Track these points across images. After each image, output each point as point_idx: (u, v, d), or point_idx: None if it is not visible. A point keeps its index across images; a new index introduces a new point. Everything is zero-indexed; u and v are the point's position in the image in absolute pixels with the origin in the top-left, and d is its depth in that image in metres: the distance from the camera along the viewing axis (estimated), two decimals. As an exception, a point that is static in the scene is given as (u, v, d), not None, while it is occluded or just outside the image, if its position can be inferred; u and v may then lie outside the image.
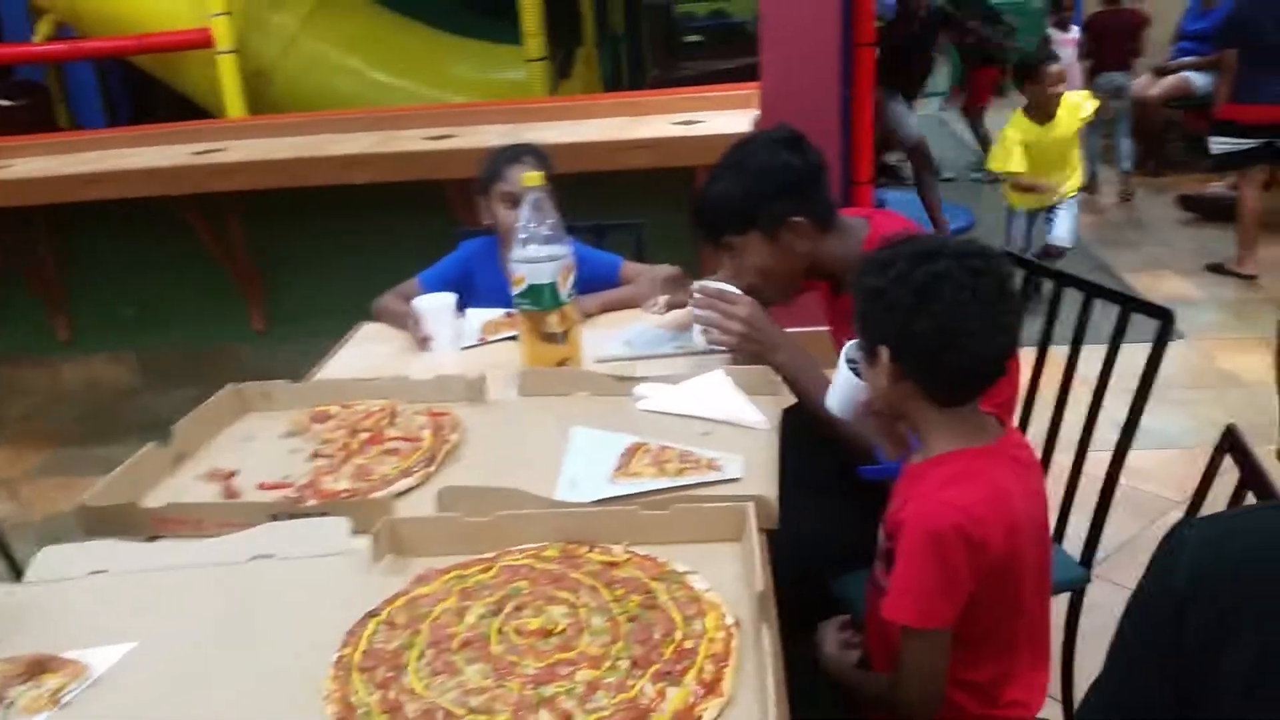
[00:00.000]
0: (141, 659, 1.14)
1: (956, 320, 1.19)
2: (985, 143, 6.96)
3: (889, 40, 5.30)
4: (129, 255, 4.01)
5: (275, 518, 1.37)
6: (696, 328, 1.77)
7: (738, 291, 1.72)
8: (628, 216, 2.68)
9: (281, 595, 1.25)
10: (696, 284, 1.77)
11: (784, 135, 1.74)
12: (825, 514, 1.60)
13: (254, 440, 1.71)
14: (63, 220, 3.87)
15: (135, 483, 1.50)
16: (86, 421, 4.08)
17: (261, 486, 1.51)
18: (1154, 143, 6.62)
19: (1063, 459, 1.88)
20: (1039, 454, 1.89)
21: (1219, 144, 4.93)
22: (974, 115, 7.24)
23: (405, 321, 2.13)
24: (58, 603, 1.26)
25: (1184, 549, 0.85)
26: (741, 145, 1.76)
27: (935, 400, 1.25)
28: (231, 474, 1.56)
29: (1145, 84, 6.43)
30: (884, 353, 1.24)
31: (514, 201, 2.20)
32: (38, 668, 1.09)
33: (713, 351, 1.93)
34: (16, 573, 1.35)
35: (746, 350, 1.72)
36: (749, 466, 1.45)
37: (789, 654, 1.10)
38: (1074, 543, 1.85)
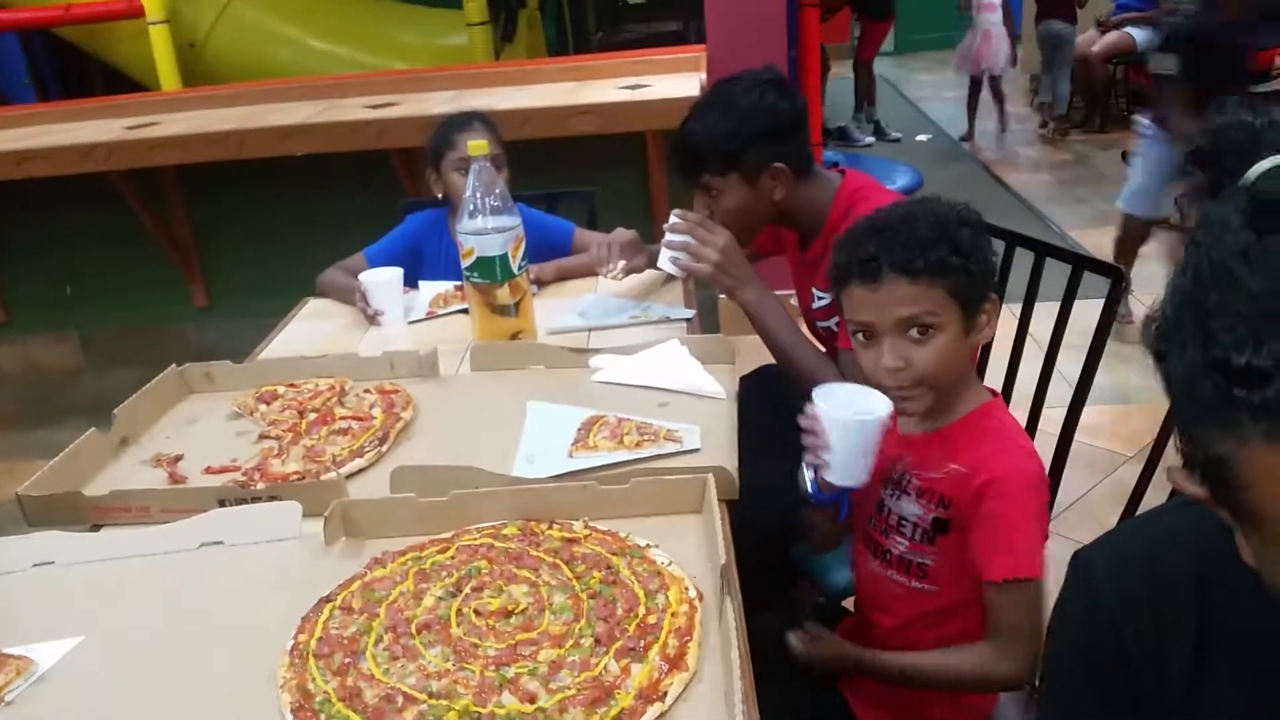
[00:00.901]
0: (90, 653, 1.11)
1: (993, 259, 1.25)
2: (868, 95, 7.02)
3: None
4: (65, 233, 3.90)
5: (223, 503, 1.34)
6: (666, 253, 1.75)
7: (716, 224, 1.72)
8: (579, 184, 2.65)
9: (232, 583, 1.22)
10: (676, 210, 1.76)
11: (771, 77, 1.72)
12: (785, 481, 1.60)
13: (198, 423, 1.66)
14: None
15: (77, 470, 1.46)
16: (27, 404, 3.98)
17: (208, 471, 1.48)
18: (1098, 99, 6.68)
19: (1017, 416, 1.88)
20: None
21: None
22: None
23: (352, 297, 2.09)
24: (1, 598, 1.21)
25: (1096, 566, 0.86)
26: (728, 83, 1.73)
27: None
28: (176, 459, 1.52)
29: (1088, 41, 6.48)
30: (991, 301, 1.24)
31: (468, 169, 2.16)
32: (-20, 666, 1.05)
33: (667, 320, 1.93)
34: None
35: (717, 281, 1.71)
36: (707, 436, 1.44)
37: (752, 624, 1.09)
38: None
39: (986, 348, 1.96)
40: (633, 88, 3.46)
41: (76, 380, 4.13)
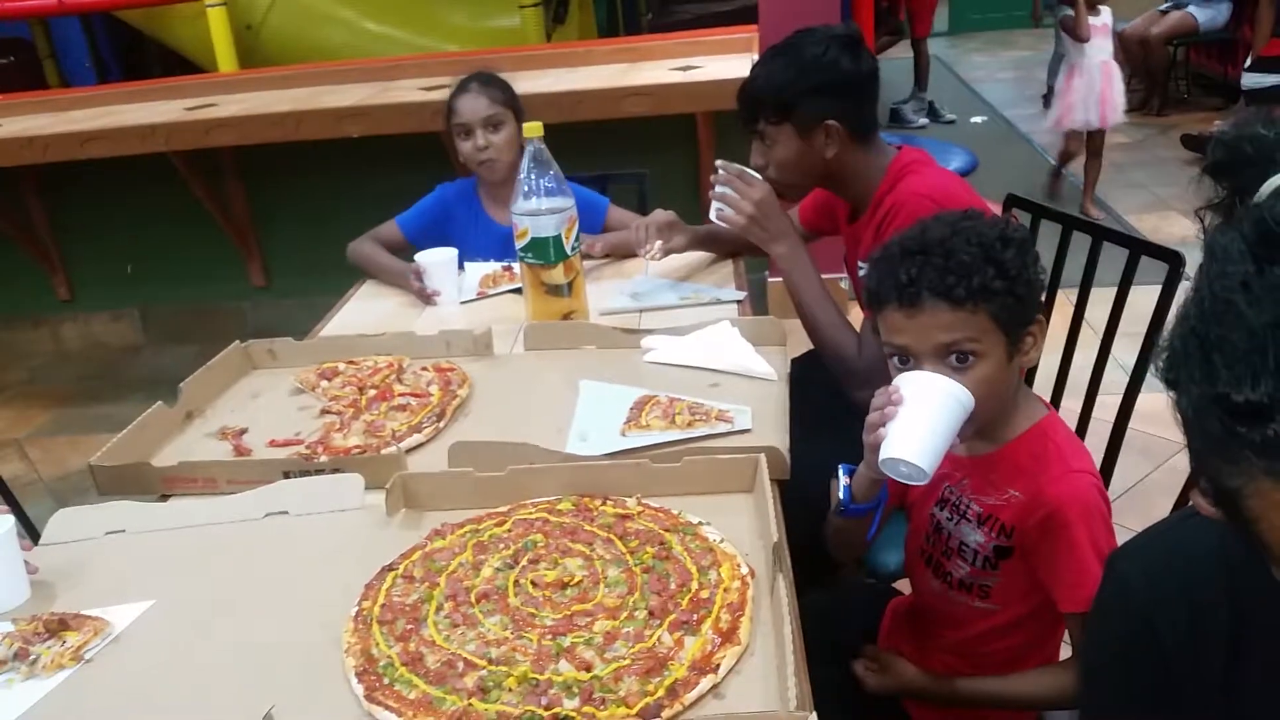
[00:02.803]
0: (161, 616, 1.15)
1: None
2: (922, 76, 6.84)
3: None
4: (126, 213, 3.99)
5: (288, 475, 1.38)
6: (714, 205, 1.78)
7: (758, 176, 1.73)
8: (629, 166, 2.66)
9: (297, 551, 1.26)
10: (720, 161, 1.78)
11: (846, 33, 1.71)
12: (834, 463, 1.61)
13: (261, 398, 1.71)
14: (52, 179, 3.83)
15: (145, 442, 1.51)
16: (90, 380, 4.09)
17: (272, 444, 1.52)
18: (1157, 82, 6.54)
19: (1071, 403, 1.88)
20: (1048, 398, 1.91)
21: (1256, 79, 4.83)
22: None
23: (385, 273, 2.12)
24: (76, 563, 1.26)
25: (1130, 566, 0.86)
26: (804, 33, 1.72)
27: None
28: (241, 432, 1.56)
29: (1148, 21, 6.34)
30: (1041, 320, 1.18)
31: (466, 132, 2.18)
32: (60, 626, 1.10)
33: (718, 301, 1.94)
34: (32, 534, 1.35)
35: (750, 232, 1.74)
36: (759, 417, 1.45)
37: (801, 603, 1.10)
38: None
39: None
40: (684, 69, 3.46)
41: (137, 357, 4.23)
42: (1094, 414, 1.84)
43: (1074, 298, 1.86)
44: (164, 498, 1.41)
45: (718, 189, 1.76)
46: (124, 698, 1.02)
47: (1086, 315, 1.86)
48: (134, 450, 1.47)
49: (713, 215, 1.78)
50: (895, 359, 1.19)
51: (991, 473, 1.22)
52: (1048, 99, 5.58)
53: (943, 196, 1.62)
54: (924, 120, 6.82)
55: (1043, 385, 1.93)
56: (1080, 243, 1.86)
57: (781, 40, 1.74)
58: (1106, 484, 1.80)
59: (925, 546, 1.32)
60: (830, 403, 1.68)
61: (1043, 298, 1.21)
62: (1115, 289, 1.76)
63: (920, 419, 1.10)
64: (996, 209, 1.80)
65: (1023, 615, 1.24)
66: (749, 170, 1.74)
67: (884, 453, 1.12)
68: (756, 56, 3.35)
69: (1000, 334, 1.14)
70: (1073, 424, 1.84)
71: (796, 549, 1.21)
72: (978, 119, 6.92)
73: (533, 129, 1.75)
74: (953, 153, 5.76)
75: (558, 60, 3.75)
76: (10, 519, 1.18)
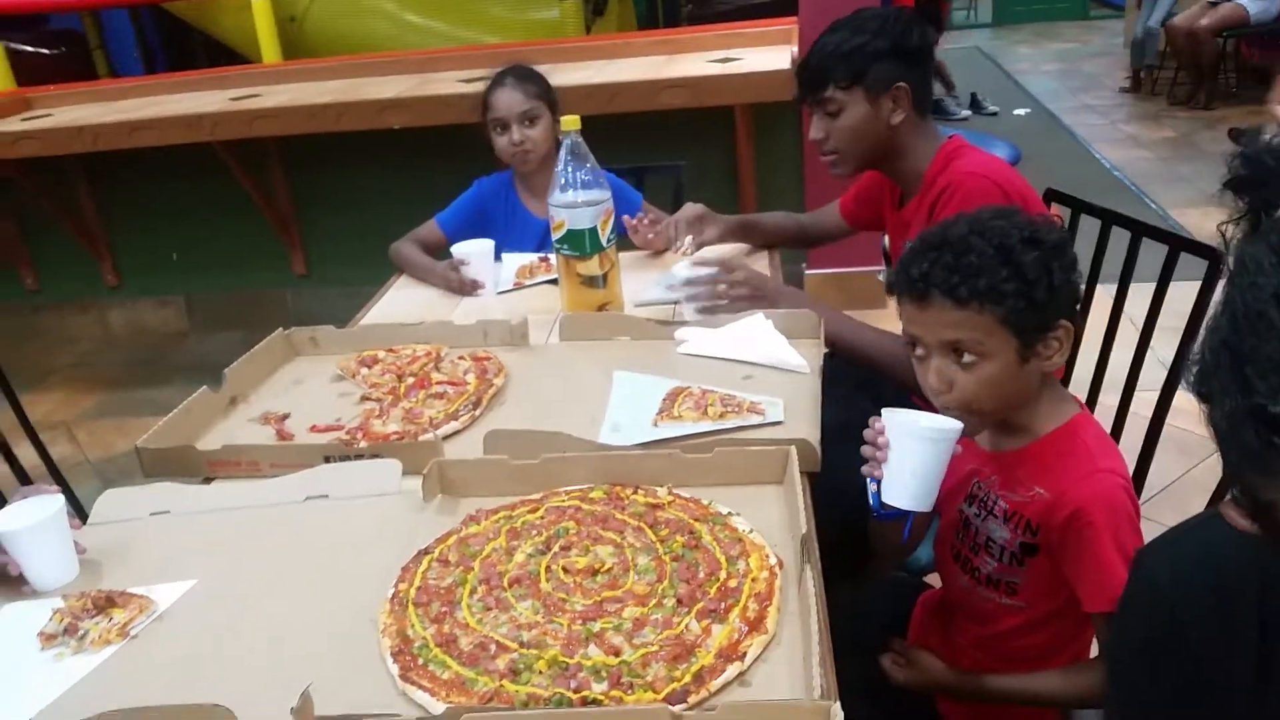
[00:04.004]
0: (203, 595, 1.19)
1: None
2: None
3: None
4: (172, 201, 4.06)
5: (328, 459, 1.41)
6: (687, 306, 1.82)
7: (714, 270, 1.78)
8: (666, 158, 2.67)
9: (336, 534, 1.29)
10: (681, 264, 1.84)
11: (907, 10, 1.74)
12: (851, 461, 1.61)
13: (303, 384, 1.74)
14: (101, 167, 3.91)
15: (190, 426, 1.55)
16: (136, 365, 4.17)
17: (313, 429, 1.55)
18: (1205, 75, 6.43)
19: (1109, 399, 1.86)
20: (1085, 394, 1.90)
21: None
22: None
23: (425, 273, 2.16)
24: (123, 543, 1.30)
25: (1158, 564, 0.86)
26: (863, 10, 1.74)
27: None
28: (284, 417, 1.60)
29: (1196, 13, 6.23)
30: (1067, 326, 1.16)
31: (502, 127, 2.20)
32: (107, 603, 1.14)
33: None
34: (81, 514, 1.39)
35: (758, 302, 1.76)
36: (790, 410, 1.46)
37: (831, 597, 1.11)
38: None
39: (1077, 329, 1.94)
40: (722, 61, 3.46)
41: (181, 342, 4.31)
42: (1132, 409, 1.83)
43: (1113, 293, 1.85)
44: (208, 480, 1.45)
45: (690, 290, 1.79)
46: (167, 673, 1.05)
47: (1126, 311, 1.84)
48: (179, 433, 1.51)
49: (689, 314, 1.80)
50: (913, 346, 1.21)
51: (1018, 469, 1.22)
52: None
53: (1000, 177, 1.64)
54: (966, 112, 6.76)
55: (1081, 381, 1.92)
56: (1120, 237, 1.85)
57: (836, 21, 1.75)
58: (1142, 480, 1.79)
59: (954, 542, 1.32)
60: (862, 395, 1.69)
61: (1079, 301, 1.21)
62: (1155, 284, 1.74)
63: (906, 466, 1.15)
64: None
65: (1050, 613, 1.24)
66: (705, 270, 1.79)
67: (884, 497, 1.17)
68: (796, 49, 3.37)
69: (1010, 336, 1.14)
70: (1109, 419, 1.84)
71: (827, 542, 1.22)
72: (1021, 111, 6.86)
73: (570, 122, 1.77)
74: (995, 145, 5.70)
75: (595, 52, 3.76)
76: (60, 499, 1.22)
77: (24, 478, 1.89)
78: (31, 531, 1.18)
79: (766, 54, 3.46)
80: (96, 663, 1.08)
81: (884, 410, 1.18)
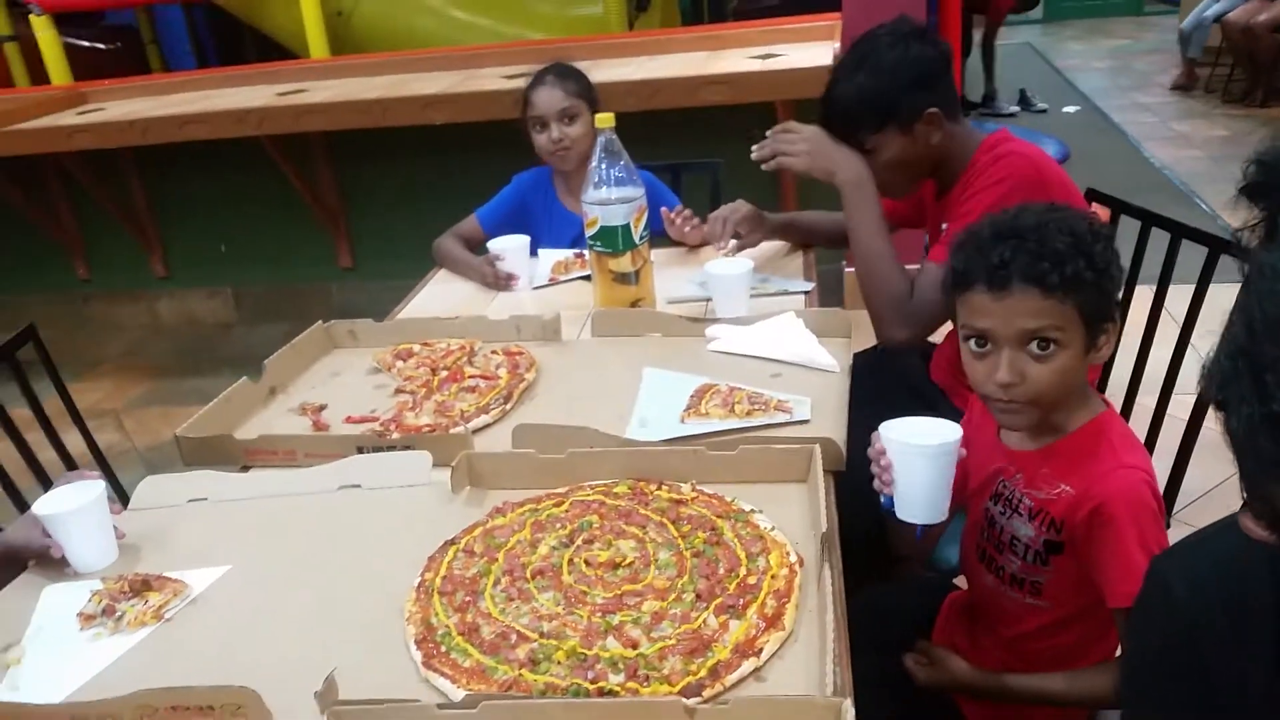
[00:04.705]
0: (237, 580, 1.22)
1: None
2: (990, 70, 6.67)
3: None
4: (221, 193, 4.14)
5: (361, 450, 1.44)
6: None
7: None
8: (704, 155, 2.67)
9: (367, 523, 1.32)
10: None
11: (910, 28, 1.72)
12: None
13: (341, 376, 1.78)
14: (152, 160, 4.00)
15: (229, 415, 1.58)
16: (184, 354, 4.26)
17: (349, 420, 1.58)
18: (1261, 72, 6.28)
19: (1148, 400, 1.84)
20: (1123, 395, 1.88)
21: None
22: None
23: (465, 269, 2.18)
24: (161, 528, 1.34)
25: (1173, 573, 0.85)
26: (865, 41, 1.73)
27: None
28: (320, 408, 1.63)
29: (1253, 8, 6.09)
30: (1114, 322, 1.17)
31: (541, 125, 2.21)
32: (144, 586, 1.18)
33: (785, 293, 1.94)
34: (123, 499, 1.44)
35: (815, 169, 1.78)
36: (818, 408, 1.46)
37: (859, 598, 1.12)
38: (1152, 488, 1.82)
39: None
40: (764, 57, 3.45)
41: (229, 333, 4.39)
42: (1171, 413, 1.81)
43: (1153, 294, 1.83)
44: (245, 468, 1.48)
45: (767, 148, 1.82)
46: (198, 655, 1.09)
47: (1167, 312, 1.82)
48: (218, 423, 1.55)
49: (768, 165, 1.83)
50: (973, 342, 1.19)
51: (1043, 466, 1.22)
52: None
53: (1040, 161, 1.64)
54: (1015, 108, 6.67)
55: (1119, 382, 1.90)
56: (1161, 239, 1.83)
57: (848, 52, 1.75)
58: (1178, 482, 1.77)
59: (980, 541, 1.32)
60: (892, 395, 1.68)
61: (1119, 298, 1.20)
62: (1194, 286, 1.72)
63: (913, 482, 1.17)
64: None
65: (1074, 614, 1.23)
66: (794, 124, 1.80)
67: (897, 513, 1.19)
68: (838, 44, 3.36)
69: (1083, 327, 1.15)
70: (1146, 421, 1.81)
71: (855, 541, 1.22)
72: (1071, 108, 6.75)
73: (604, 119, 1.78)
74: (1043, 142, 5.61)
75: (638, 48, 3.77)
76: (102, 484, 1.26)
77: (71, 464, 1.94)
78: (73, 515, 1.22)
79: (809, 50, 3.44)
80: (132, 643, 1.11)
81: (881, 427, 1.19)
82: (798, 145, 1.78)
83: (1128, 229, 1.90)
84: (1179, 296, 1.77)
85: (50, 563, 1.25)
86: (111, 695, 0.97)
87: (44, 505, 1.23)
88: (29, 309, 2.17)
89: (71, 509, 1.22)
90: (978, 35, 6.53)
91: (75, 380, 3.64)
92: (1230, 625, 0.79)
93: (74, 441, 2.02)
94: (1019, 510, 1.24)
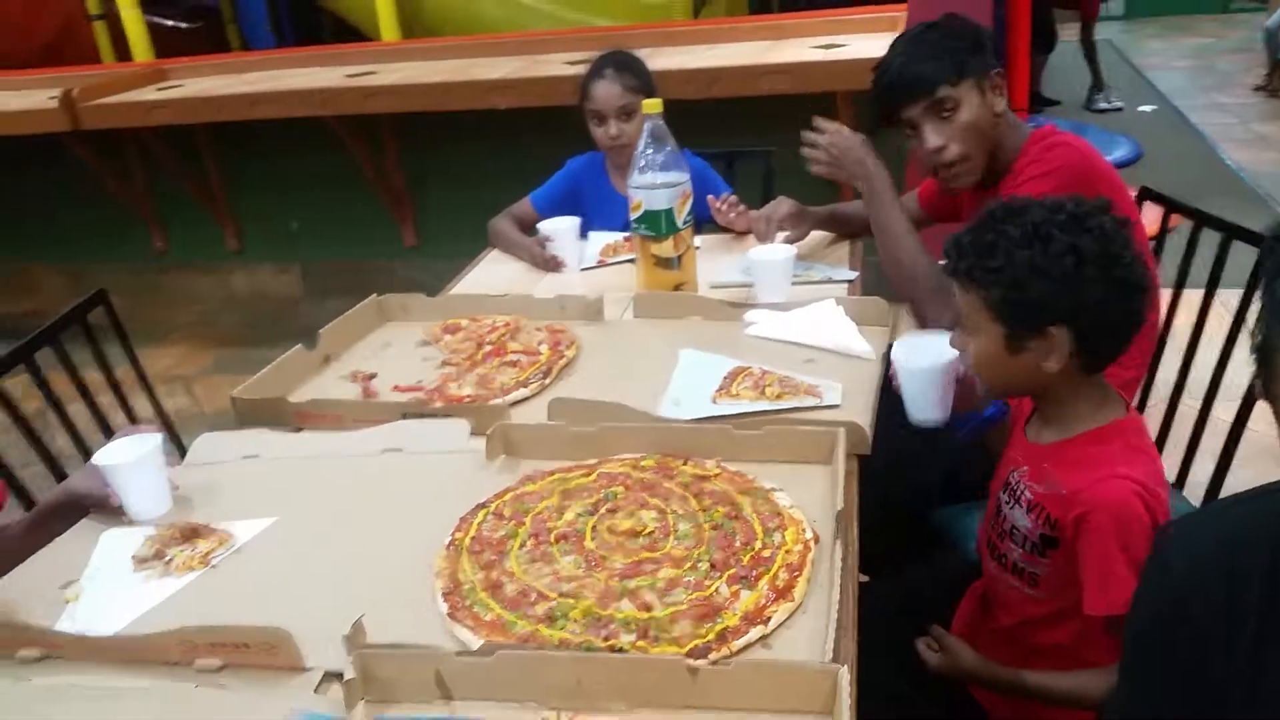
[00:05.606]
0: (280, 532, 1.29)
1: (1134, 275, 1.15)
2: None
3: None
4: (292, 171, 4.26)
5: (405, 417, 1.50)
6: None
7: (838, 125, 1.87)
8: (760, 143, 2.68)
9: (406, 484, 1.38)
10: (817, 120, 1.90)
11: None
12: (921, 450, 1.62)
13: (391, 347, 1.84)
14: (227, 137, 4.13)
15: (283, 380, 1.66)
16: (253, 326, 4.40)
17: (396, 389, 1.65)
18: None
19: (1191, 404, 1.83)
20: (1166, 396, 1.87)
21: None
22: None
23: (518, 250, 2.23)
24: (213, 482, 1.42)
25: (1174, 546, 0.86)
26: (919, 25, 1.73)
27: (1088, 370, 1.20)
28: (370, 376, 1.70)
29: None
30: (1060, 333, 1.15)
31: (599, 118, 2.25)
32: (193, 534, 1.25)
33: (829, 281, 1.96)
34: (184, 456, 1.52)
35: (834, 175, 1.87)
36: (848, 395, 1.49)
37: (883, 586, 1.14)
38: (1195, 490, 1.81)
39: (1163, 332, 1.90)
40: (827, 47, 3.45)
41: (296, 307, 4.52)
42: (1213, 413, 1.79)
43: (1203, 296, 1.81)
44: (296, 430, 1.55)
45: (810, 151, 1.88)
46: (239, 598, 1.16)
47: (1215, 315, 1.81)
48: (273, 386, 1.63)
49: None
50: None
51: (1046, 462, 1.23)
52: None
53: (1089, 152, 1.63)
54: (1119, 104, 6.52)
55: (1165, 384, 1.88)
56: (1210, 239, 1.81)
57: (897, 39, 1.73)
58: (1219, 487, 1.75)
59: (989, 528, 1.34)
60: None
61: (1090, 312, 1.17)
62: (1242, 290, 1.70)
63: (914, 390, 1.40)
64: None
65: (1069, 609, 1.23)
66: (829, 122, 1.86)
67: (908, 415, 1.41)
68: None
69: (995, 322, 1.19)
70: (1189, 424, 1.80)
71: (879, 534, 1.24)
72: (1146, 108, 6.59)
73: (652, 105, 1.82)
74: (1117, 141, 5.52)
75: (700, 36, 3.79)
76: (159, 437, 1.33)
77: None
78: (130, 466, 1.30)
79: (872, 41, 3.43)
80: (179, 586, 1.19)
81: (896, 343, 1.40)
82: (819, 153, 1.85)
83: (1185, 229, 1.89)
84: (1232, 300, 1.75)
85: (110, 511, 1.33)
86: (158, 631, 1.04)
87: (104, 456, 1.31)
88: (107, 279, 2.27)
89: (129, 460, 1.30)
90: (1066, 33, 6.39)
91: (149, 346, 3.78)
92: (1225, 602, 0.81)
93: (143, 407, 2.13)
94: (1020, 501, 1.26)
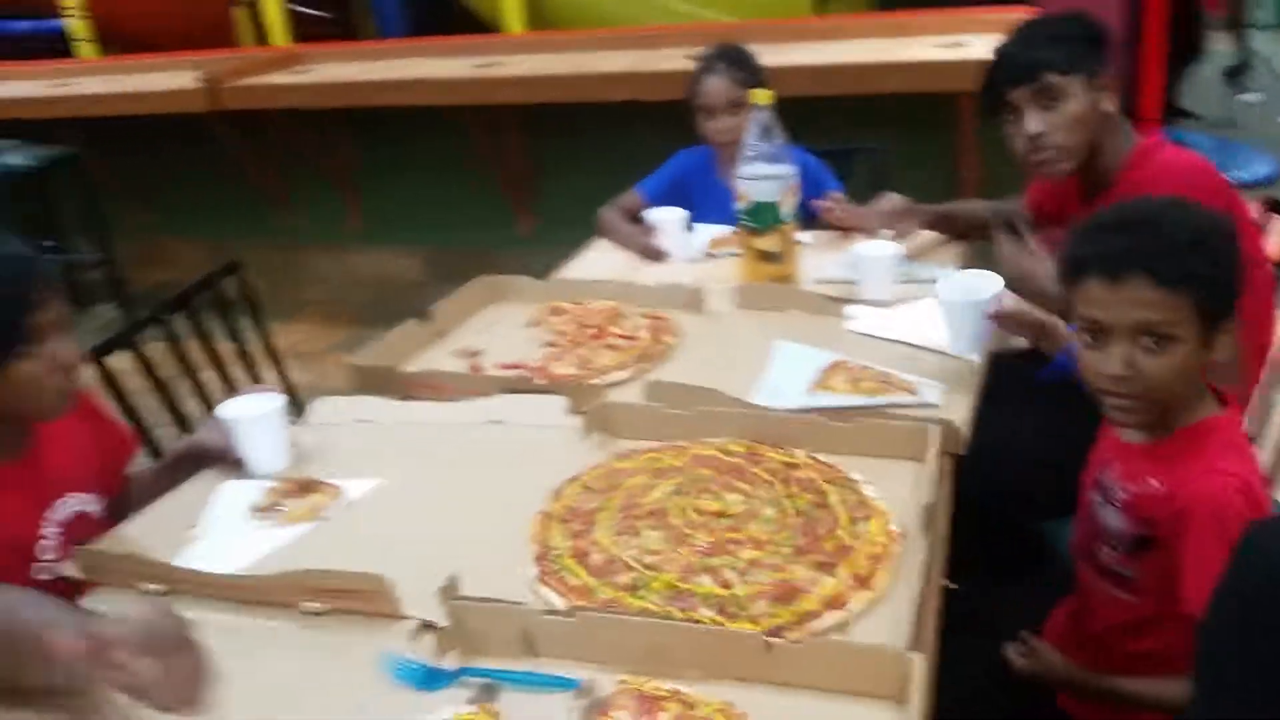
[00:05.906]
0: (387, 492, 1.37)
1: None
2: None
3: None
4: (417, 158, 4.39)
5: (508, 391, 1.56)
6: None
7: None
8: (881, 139, 2.65)
9: (505, 455, 1.45)
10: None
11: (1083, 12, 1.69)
12: (1023, 463, 1.60)
13: (498, 326, 1.91)
14: (360, 122, 4.29)
15: (396, 351, 1.74)
16: (374, 306, 4.55)
17: (500, 366, 1.71)
18: None
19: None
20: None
21: None
22: None
23: (626, 240, 2.27)
24: (328, 442, 1.51)
25: (1262, 540, 0.84)
26: (1042, 14, 1.71)
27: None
28: (477, 352, 1.77)
29: None
30: (1234, 324, 1.13)
31: (709, 113, 2.25)
32: (307, 488, 1.34)
33: (934, 281, 1.94)
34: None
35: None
36: (948, 395, 1.48)
37: (973, 588, 1.14)
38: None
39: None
40: (952, 45, 3.39)
41: (416, 291, 4.65)
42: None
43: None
44: (405, 398, 1.63)
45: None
46: (347, 550, 1.23)
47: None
48: (386, 356, 1.71)
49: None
50: (1087, 334, 1.17)
51: (1142, 461, 1.21)
52: None
53: (1212, 169, 1.58)
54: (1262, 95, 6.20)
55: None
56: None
57: (1027, 20, 1.72)
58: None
59: (1082, 530, 1.32)
60: (1030, 409, 1.64)
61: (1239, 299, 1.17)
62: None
63: (951, 322, 1.58)
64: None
65: (1162, 615, 1.21)
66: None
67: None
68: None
69: (1199, 323, 1.12)
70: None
71: (980, 544, 1.24)
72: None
73: (762, 96, 1.83)
74: (1254, 159, 5.24)
75: (821, 33, 3.77)
76: (280, 398, 1.42)
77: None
78: (251, 421, 1.39)
79: (998, 41, 3.35)
80: (291, 535, 1.28)
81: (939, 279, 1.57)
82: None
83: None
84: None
85: (228, 463, 1.42)
86: (269, 573, 1.12)
87: (226, 409, 1.40)
88: (240, 254, 2.40)
89: (251, 415, 1.39)
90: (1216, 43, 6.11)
91: (280, 321, 3.95)
92: None
93: (271, 378, 2.26)
94: (1113, 501, 1.23)
